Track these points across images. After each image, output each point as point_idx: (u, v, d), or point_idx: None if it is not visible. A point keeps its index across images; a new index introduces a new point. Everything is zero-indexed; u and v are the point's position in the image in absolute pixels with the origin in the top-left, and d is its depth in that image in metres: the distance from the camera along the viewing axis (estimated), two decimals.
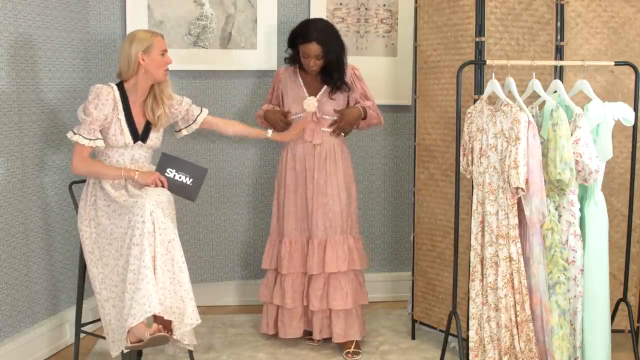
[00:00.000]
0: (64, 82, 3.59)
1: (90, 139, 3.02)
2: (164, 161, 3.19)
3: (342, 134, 3.58)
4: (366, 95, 3.56)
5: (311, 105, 3.46)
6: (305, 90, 3.51)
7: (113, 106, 3.05)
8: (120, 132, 3.06)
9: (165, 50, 3.11)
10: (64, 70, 3.58)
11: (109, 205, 3.02)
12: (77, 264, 3.37)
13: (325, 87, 3.50)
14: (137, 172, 3.09)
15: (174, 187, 3.15)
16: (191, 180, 3.19)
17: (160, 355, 3.42)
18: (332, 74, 3.45)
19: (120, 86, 3.11)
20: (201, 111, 3.39)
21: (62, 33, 3.55)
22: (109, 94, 3.04)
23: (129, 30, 3.84)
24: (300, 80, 3.52)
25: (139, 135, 3.12)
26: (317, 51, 3.37)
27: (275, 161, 4.00)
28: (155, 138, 3.19)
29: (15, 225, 3.29)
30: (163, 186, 3.12)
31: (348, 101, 3.56)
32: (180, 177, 3.17)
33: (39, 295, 3.46)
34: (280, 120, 3.51)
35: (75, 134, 3.03)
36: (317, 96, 3.49)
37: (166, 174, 3.16)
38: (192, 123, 3.37)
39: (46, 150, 3.47)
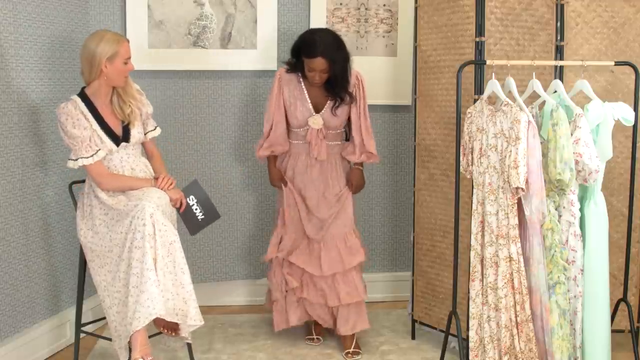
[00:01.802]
0: (64, 82, 3.59)
1: (93, 155, 3.01)
2: (192, 187, 3.22)
3: (343, 140, 3.58)
4: (365, 117, 3.47)
5: (317, 123, 3.44)
6: (310, 104, 3.45)
7: (85, 119, 3.03)
8: (101, 142, 3.04)
9: (129, 58, 3.05)
10: (63, 70, 3.58)
11: (107, 214, 3.01)
12: (77, 264, 3.37)
13: (329, 101, 3.44)
14: (173, 184, 3.13)
15: (185, 214, 3.19)
16: (202, 217, 3.22)
17: (161, 354, 3.42)
18: (335, 86, 3.39)
19: (83, 95, 3.06)
20: (154, 128, 3.29)
21: (63, 33, 3.55)
22: (75, 108, 3.01)
23: (129, 30, 3.85)
24: (306, 93, 3.46)
25: (120, 138, 3.10)
26: (322, 66, 3.30)
27: None
28: (137, 134, 3.16)
29: (15, 225, 3.29)
30: (179, 208, 3.14)
31: (349, 118, 3.50)
32: (196, 209, 3.22)
33: (39, 295, 3.46)
34: (277, 180, 3.56)
35: (75, 160, 3.01)
36: (323, 110, 3.45)
37: (188, 199, 3.19)
38: (143, 135, 3.24)
39: (46, 150, 3.47)
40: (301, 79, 3.46)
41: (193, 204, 3.20)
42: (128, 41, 3.07)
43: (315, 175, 3.49)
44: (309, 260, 3.48)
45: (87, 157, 3.00)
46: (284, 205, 3.55)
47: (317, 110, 3.45)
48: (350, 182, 3.55)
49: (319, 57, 3.28)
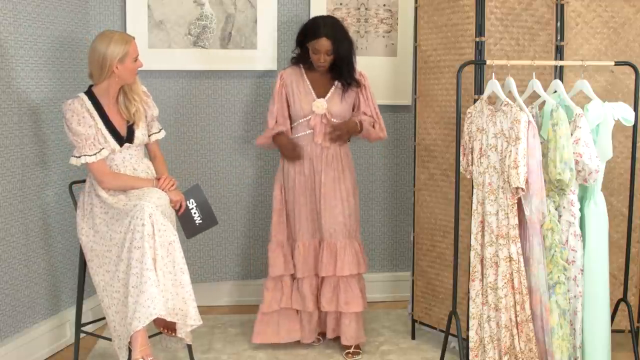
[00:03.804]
0: (64, 81, 3.59)
1: (96, 153, 3.02)
2: (194, 191, 3.24)
3: (347, 141, 3.58)
4: (372, 105, 3.53)
5: (320, 107, 3.44)
6: (313, 92, 3.47)
7: (90, 117, 3.03)
8: (105, 141, 3.05)
9: (138, 55, 3.06)
10: (63, 70, 3.58)
11: (107, 212, 3.02)
12: (77, 264, 3.37)
13: (333, 87, 3.48)
14: (174, 186, 3.14)
15: (184, 217, 3.20)
16: (200, 222, 3.24)
17: (161, 354, 3.42)
18: (342, 70, 3.43)
19: (90, 93, 3.07)
20: (159, 131, 3.29)
21: (63, 33, 3.56)
22: (82, 106, 3.02)
23: (129, 30, 3.84)
24: (308, 81, 3.49)
25: (124, 138, 3.10)
26: (327, 46, 3.36)
27: (275, 162, 4.00)
28: (141, 135, 3.16)
29: (15, 225, 3.29)
30: (178, 210, 3.15)
31: (354, 106, 3.54)
32: (194, 213, 3.23)
33: (39, 295, 3.46)
34: (293, 151, 3.46)
35: (78, 157, 3.01)
36: (326, 97, 3.46)
37: (188, 202, 3.20)
38: (147, 137, 3.23)
39: (46, 150, 3.47)
40: (303, 71, 3.51)
41: (192, 208, 3.21)
42: (134, 38, 3.08)
43: (321, 166, 3.46)
44: (303, 267, 3.49)
45: (91, 155, 3.01)
46: (279, 218, 3.56)
47: (322, 96, 3.47)
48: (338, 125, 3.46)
49: (323, 38, 3.35)
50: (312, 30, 3.39)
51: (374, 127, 3.54)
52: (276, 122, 3.53)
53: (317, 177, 3.47)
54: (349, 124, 3.48)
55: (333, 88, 3.49)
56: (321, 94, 3.47)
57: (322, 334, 3.65)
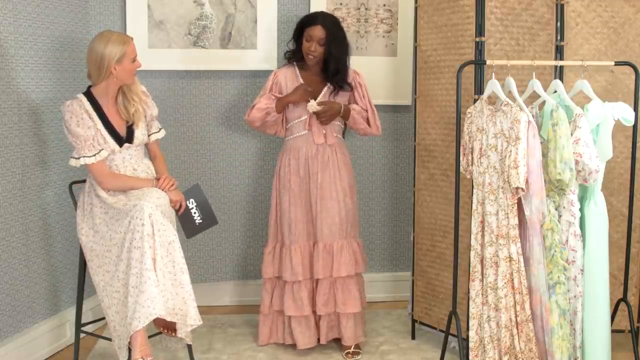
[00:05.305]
0: (64, 81, 3.59)
1: (95, 154, 3.02)
2: (194, 191, 3.25)
3: (342, 137, 3.59)
4: (368, 101, 3.53)
5: (313, 106, 3.40)
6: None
7: (89, 118, 3.03)
8: (104, 141, 3.05)
9: (136, 56, 3.06)
10: (63, 70, 3.58)
11: (107, 212, 3.02)
12: (77, 264, 3.37)
13: (326, 88, 3.48)
14: (174, 186, 3.14)
15: (184, 216, 3.21)
16: (200, 222, 3.25)
17: (161, 354, 3.42)
18: (333, 70, 3.42)
19: (89, 94, 3.07)
20: (159, 131, 3.29)
21: (63, 33, 3.56)
22: (80, 107, 3.02)
23: (129, 30, 3.84)
24: (302, 82, 3.50)
25: (123, 138, 3.10)
26: (320, 34, 3.37)
27: (274, 161, 4.00)
28: (141, 135, 3.16)
29: (15, 225, 3.29)
30: (178, 210, 3.16)
31: (349, 103, 3.55)
32: (194, 213, 3.24)
33: (39, 295, 3.46)
34: (307, 91, 3.42)
35: (78, 158, 3.01)
36: (319, 97, 3.46)
37: (188, 202, 3.21)
38: (146, 137, 3.24)
39: (46, 150, 3.47)
40: (297, 71, 3.52)
41: (192, 208, 3.22)
42: (132, 39, 3.08)
43: (317, 167, 3.46)
44: (303, 271, 3.47)
45: (90, 157, 3.01)
46: (275, 217, 3.56)
47: (314, 97, 3.45)
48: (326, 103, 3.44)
49: (318, 25, 3.38)
50: (309, 19, 3.44)
51: (368, 122, 3.52)
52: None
53: (313, 178, 3.46)
54: (333, 104, 3.43)
55: (325, 89, 3.49)
56: (314, 94, 3.47)
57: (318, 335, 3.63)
